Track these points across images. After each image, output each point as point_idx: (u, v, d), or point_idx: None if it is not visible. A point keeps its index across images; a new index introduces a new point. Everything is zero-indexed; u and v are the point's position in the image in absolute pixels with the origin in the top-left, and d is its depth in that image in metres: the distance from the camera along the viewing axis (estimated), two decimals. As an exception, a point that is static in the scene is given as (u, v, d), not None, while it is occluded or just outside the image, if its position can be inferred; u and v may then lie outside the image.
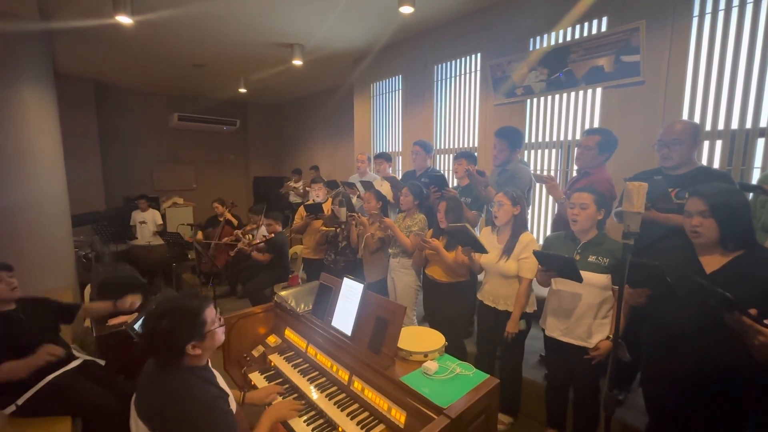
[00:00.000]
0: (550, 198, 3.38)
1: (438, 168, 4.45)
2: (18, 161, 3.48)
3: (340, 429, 1.39)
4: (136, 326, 2.11)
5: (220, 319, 1.23)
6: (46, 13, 3.59)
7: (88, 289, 3.27)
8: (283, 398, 1.58)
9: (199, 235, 5.02)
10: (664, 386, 1.48)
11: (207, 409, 1.09)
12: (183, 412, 1.07)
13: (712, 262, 1.35)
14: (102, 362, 2.12)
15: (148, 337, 1.12)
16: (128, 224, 5.46)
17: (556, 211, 2.68)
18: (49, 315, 2.03)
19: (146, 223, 5.34)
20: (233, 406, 1.22)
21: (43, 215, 3.67)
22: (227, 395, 1.22)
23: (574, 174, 2.64)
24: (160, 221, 5.51)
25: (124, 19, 3.27)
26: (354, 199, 3.44)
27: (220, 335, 1.22)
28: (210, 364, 1.25)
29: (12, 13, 3.34)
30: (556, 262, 1.70)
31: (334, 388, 1.58)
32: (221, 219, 5.03)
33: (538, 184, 3.25)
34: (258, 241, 4.09)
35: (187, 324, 1.12)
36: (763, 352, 1.09)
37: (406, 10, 3.23)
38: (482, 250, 2.06)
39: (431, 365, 1.44)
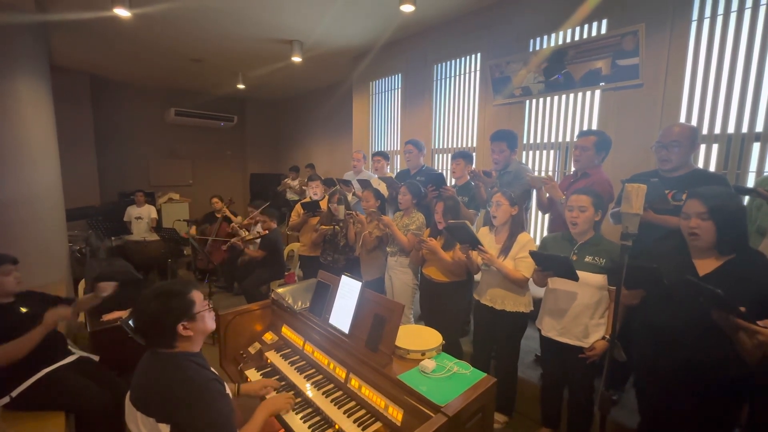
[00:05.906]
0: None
1: (435, 167, 4.45)
2: (12, 154, 3.43)
3: (336, 426, 1.38)
4: (131, 322, 2.10)
5: (208, 304, 1.27)
6: (42, 4, 3.54)
7: (82, 284, 3.24)
8: (277, 392, 1.58)
9: (193, 230, 4.99)
10: (656, 386, 1.49)
11: (203, 389, 1.11)
12: (179, 393, 1.08)
13: (705, 265, 1.36)
14: (96, 358, 2.11)
15: (141, 320, 1.16)
16: (122, 220, 5.43)
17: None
18: (46, 308, 2.01)
19: (142, 218, 5.31)
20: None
21: (37, 209, 3.63)
22: (223, 381, 1.23)
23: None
24: (155, 216, 5.48)
25: (122, 12, 3.23)
26: (349, 197, 3.43)
27: (210, 320, 1.26)
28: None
29: (7, 3, 3.27)
30: (552, 261, 1.70)
31: (331, 386, 1.58)
32: (219, 215, 5.00)
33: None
34: (252, 237, 4.08)
35: (176, 303, 1.16)
36: (756, 351, 1.10)
37: (407, 8, 3.22)
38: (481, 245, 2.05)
39: (428, 363, 1.44)
